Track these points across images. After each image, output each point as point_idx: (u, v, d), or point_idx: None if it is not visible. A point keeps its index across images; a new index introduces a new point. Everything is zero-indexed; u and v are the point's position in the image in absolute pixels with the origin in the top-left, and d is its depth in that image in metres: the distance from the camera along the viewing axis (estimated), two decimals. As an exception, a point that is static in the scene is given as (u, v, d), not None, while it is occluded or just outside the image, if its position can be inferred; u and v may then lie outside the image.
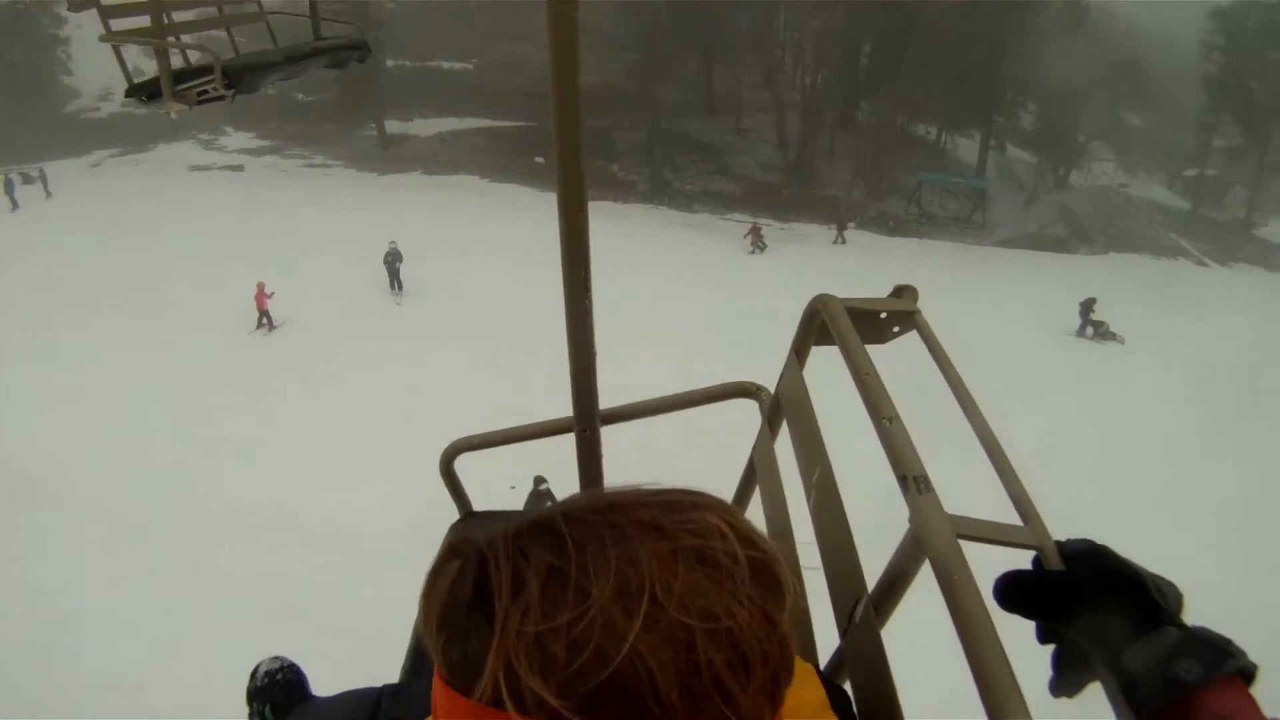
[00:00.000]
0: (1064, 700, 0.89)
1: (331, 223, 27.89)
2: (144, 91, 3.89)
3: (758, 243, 30.28)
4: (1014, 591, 0.86)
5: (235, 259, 24.38)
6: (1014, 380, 20.01)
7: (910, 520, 0.91)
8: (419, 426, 13.96)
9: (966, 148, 43.09)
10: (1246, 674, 0.76)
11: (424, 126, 41.78)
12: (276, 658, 1.58)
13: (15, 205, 31.71)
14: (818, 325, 1.31)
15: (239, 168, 38.73)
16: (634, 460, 1.93)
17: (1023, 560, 0.91)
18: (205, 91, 3.77)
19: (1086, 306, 25.05)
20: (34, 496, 13.93)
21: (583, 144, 1.19)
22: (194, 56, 4.06)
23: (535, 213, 30.30)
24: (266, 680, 1.58)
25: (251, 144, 41.30)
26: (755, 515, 1.18)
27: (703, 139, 41.08)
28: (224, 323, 20.88)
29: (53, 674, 10.03)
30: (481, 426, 2.09)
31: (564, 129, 1.16)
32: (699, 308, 22.95)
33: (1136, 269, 34.53)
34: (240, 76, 4.18)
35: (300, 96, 45.09)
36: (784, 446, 1.46)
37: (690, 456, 12.32)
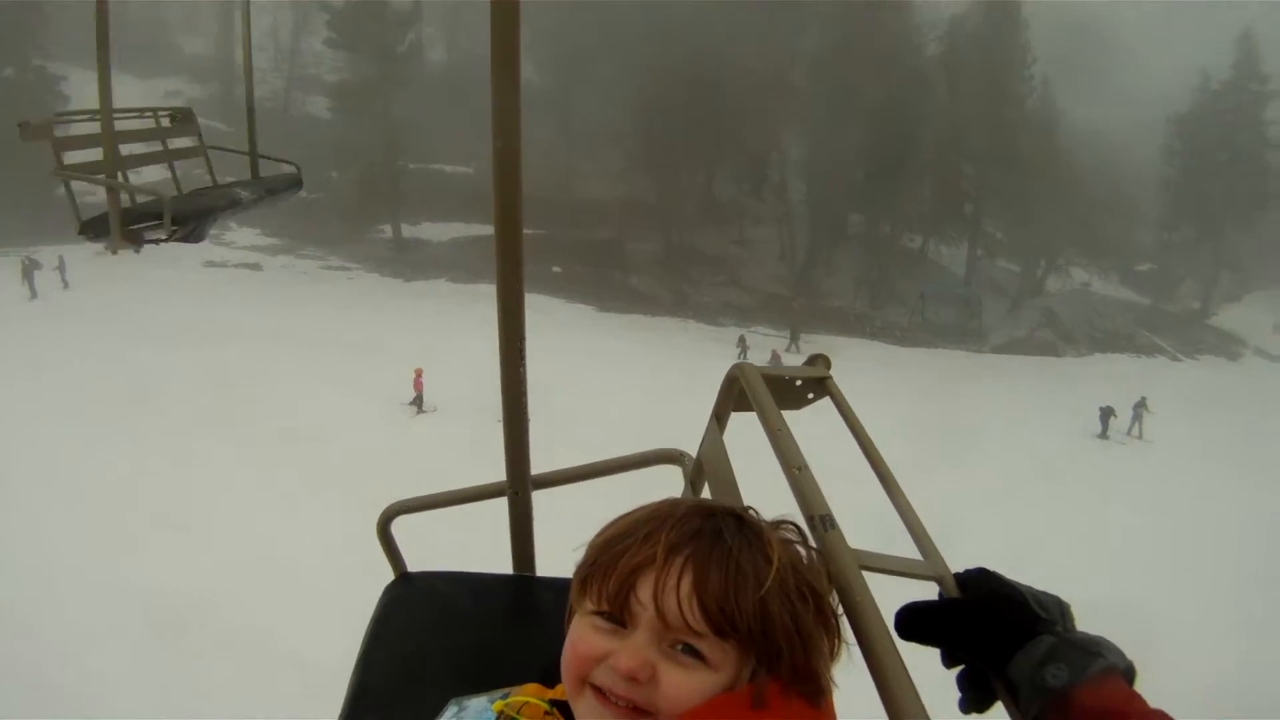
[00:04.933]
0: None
1: (377, 333, 27.73)
2: (94, 230, 3.88)
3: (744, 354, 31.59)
4: (913, 621, 0.93)
5: (298, 369, 23.59)
6: (1064, 484, 21.67)
7: (818, 556, 0.97)
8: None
9: (948, 256, 45.54)
10: (1126, 671, 0.83)
11: (434, 231, 42.29)
12: None
13: (34, 294, 30.25)
14: (736, 391, 1.36)
15: (256, 266, 38.96)
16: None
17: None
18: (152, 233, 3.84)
19: (1106, 413, 27.09)
20: (201, 641, 12.30)
21: (520, 223, 1.31)
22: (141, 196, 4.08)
23: (579, 328, 30.88)
24: None
25: (260, 241, 41.38)
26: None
27: (710, 251, 42.52)
28: (322, 434, 19.67)
29: None
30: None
31: (503, 207, 1.26)
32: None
33: (1122, 369, 36.87)
34: (186, 221, 4.33)
35: (303, 194, 45.14)
36: None
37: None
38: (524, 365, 1.51)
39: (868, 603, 0.91)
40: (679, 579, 0.86)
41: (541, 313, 31.62)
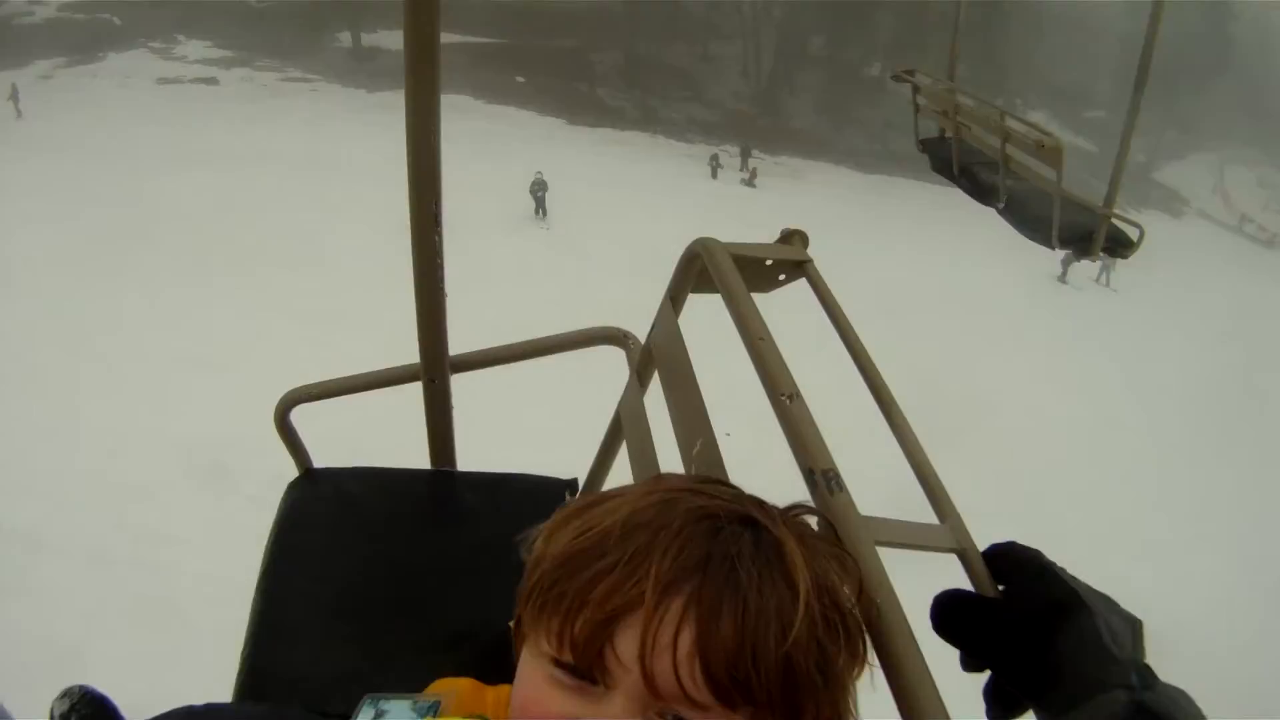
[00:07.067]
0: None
1: (357, 150, 26.70)
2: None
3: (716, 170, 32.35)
4: (951, 618, 0.73)
5: (292, 190, 22.84)
6: (1031, 325, 23.45)
7: (819, 525, 0.76)
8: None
9: (905, 87, 45.54)
10: None
11: (393, 39, 39.99)
12: (65, 694, 0.83)
13: None
14: (697, 270, 1.15)
15: (212, 80, 37.09)
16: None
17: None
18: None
19: (1069, 258, 28.60)
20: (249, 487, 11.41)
21: (438, 64, 1.16)
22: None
23: (553, 142, 30.81)
24: None
25: (213, 54, 39.30)
26: (622, 474, 1.23)
27: (675, 64, 41.95)
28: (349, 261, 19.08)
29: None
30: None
31: (417, 46, 1.12)
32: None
33: (1081, 217, 38.51)
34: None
35: (253, 2, 43.01)
36: (656, 399, 1.25)
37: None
38: (439, 232, 1.37)
39: (889, 597, 0.71)
40: (675, 633, 0.61)
41: (515, 125, 31.44)
